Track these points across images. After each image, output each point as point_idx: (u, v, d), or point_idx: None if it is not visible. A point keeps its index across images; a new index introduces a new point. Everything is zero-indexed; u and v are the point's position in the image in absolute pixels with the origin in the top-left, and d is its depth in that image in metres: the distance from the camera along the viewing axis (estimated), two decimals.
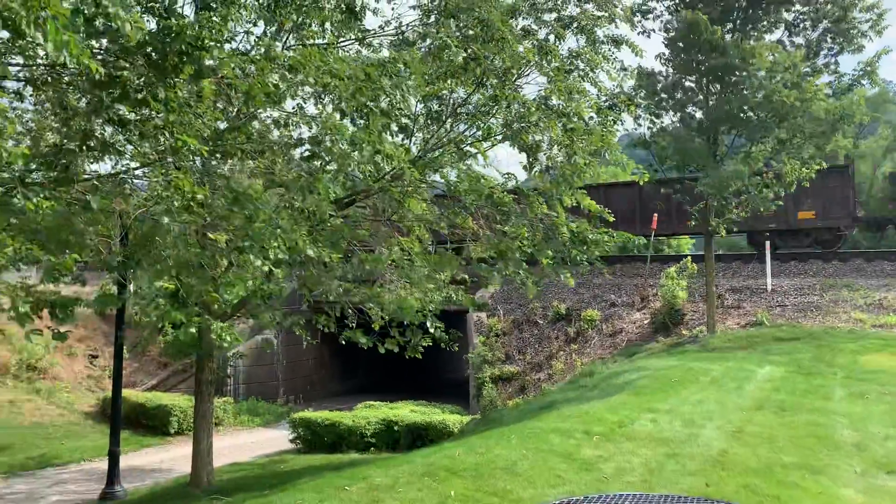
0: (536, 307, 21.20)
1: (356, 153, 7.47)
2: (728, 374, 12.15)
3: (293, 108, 9.70)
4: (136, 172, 7.93)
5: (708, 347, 15.47)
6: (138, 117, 6.48)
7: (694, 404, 9.85)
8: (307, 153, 9.29)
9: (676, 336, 17.44)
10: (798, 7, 15.83)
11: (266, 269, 7.14)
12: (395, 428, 16.40)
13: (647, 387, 11.45)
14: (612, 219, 11.61)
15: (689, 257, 19.92)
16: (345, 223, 10.49)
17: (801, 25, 16.00)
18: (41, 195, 5.86)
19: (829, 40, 15.78)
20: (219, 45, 6.67)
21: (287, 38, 9.87)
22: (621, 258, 24.37)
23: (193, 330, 8.04)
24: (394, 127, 10.70)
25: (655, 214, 22.35)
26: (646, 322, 19.04)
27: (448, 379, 30.62)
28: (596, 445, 7.64)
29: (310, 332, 11.56)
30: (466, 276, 12.41)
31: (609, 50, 11.39)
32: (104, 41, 6.17)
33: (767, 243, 20.16)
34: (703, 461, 7.16)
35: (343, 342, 11.35)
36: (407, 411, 17.70)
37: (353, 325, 11.27)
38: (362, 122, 8.59)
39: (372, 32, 10.38)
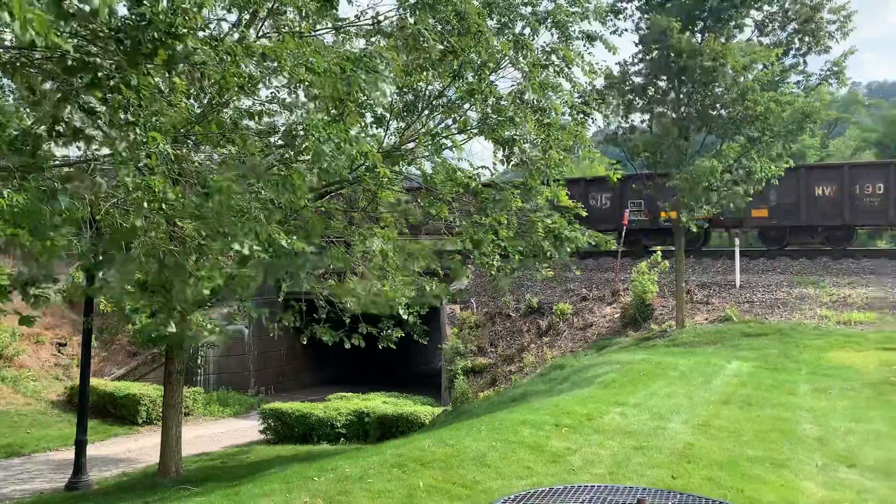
0: (509, 300, 21.33)
1: (329, 148, 7.44)
2: (696, 368, 12.32)
3: (267, 96, 9.64)
4: (107, 161, 7.82)
5: (677, 342, 15.67)
6: (108, 107, 6.38)
7: (662, 398, 9.98)
8: (280, 142, 9.24)
9: (646, 330, 17.65)
10: (767, 7, 16.08)
11: (246, 251, 7.09)
12: (367, 419, 16.44)
13: (617, 380, 11.57)
14: (585, 214, 11.72)
15: (658, 252, 20.16)
16: (319, 215, 10.45)
17: (771, 26, 16.25)
18: (12, 183, 5.76)
19: (797, 41, 16.06)
20: (193, 32, 6.59)
21: (262, 26, 9.77)
22: (593, 253, 24.57)
23: (170, 328, 7.98)
24: (368, 118, 10.69)
25: (626, 211, 22.56)
26: (616, 316, 19.25)
27: (421, 371, 30.71)
28: (565, 437, 7.72)
29: (279, 324, 11.55)
30: (439, 269, 12.44)
31: (584, 45, 11.47)
32: (75, 25, 6.07)
33: (737, 240, 20.46)
34: (670, 454, 7.26)
35: (304, 341, 11.33)
36: (379, 403, 17.75)
37: (323, 318, 11.25)
38: (335, 112, 8.56)
39: (348, 22, 10.33)
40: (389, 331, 11.82)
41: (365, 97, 8.86)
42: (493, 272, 11.21)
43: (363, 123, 10.37)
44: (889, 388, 10.95)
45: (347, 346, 11.27)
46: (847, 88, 46.32)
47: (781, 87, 14.94)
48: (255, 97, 9.08)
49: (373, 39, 10.41)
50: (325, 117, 8.82)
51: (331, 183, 10.55)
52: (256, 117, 9.41)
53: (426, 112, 11.59)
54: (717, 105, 15.15)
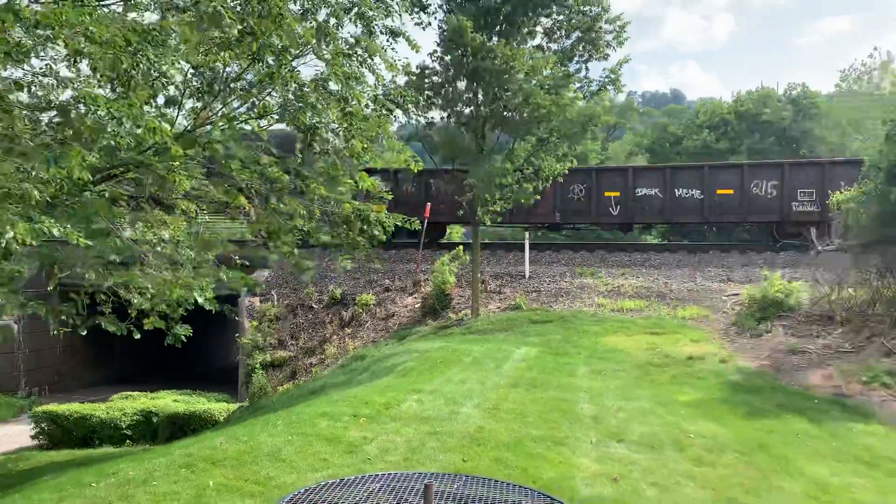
0: (312, 292, 21.08)
1: (112, 126, 6.86)
2: (488, 354, 12.95)
3: (41, 67, 8.73)
4: None
5: (472, 330, 16.39)
6: None
7: (456, 384, 10.38)
8: (56, 119, 8.40)
9: (444, 319, 18.26)
10: (555, 16, 17.21)
11: (8, 237, 6.34)
12: (155, 419, 15.54)
13: (415, 368, 11.87)
14: (390, 196, 11.84)
15: (461, 246, 20.95)
16: (102, 200, 9.62)
17: (558, 33, 17.44)
18: None
19: (580, 48, 17.38)
20: None
21: None
22: (396, 245, 24.99)
23: None
24: (160, 99, 10.01)
25: (429, 204, 23.17)
26: (417, 306, 19.72)
27: (218, 366, 29.58)
28: (362, 427, 7.78)
29: (57, 319, 10.48)
30: (237, 259, 11.99)
31: (387, 40, 11.57)
32: None
33: (527, 234, 21.79)
34: (462, 438, 7.57)
35: (83, 332, 10.40)
36: (169, 401, 16.85)
37: (107, 311, 10.39)
38: (121, 90, 7.94)
39: None
40: (179, 327, 11.14)
41: (156, 75, 8.30)
42: (293, 262, 11.00)
43: (154, 104, 9.71)
44: (653, 369, 12.25)
45: (138, 335, 10.46)
46: (624, 96, 50.85)
47: (563, 91, 16.08)
48: (28, 67, 8.19)
49: (167, 14, 9.76)
50: (110, 93, 8.16)
51: (115, 165, 9.76)
52: (26, 89, 8.50)
53: (223, 94, 11.08)
54: (508, 106, 15.95)
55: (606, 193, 23.49)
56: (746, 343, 14.07)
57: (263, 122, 11.20)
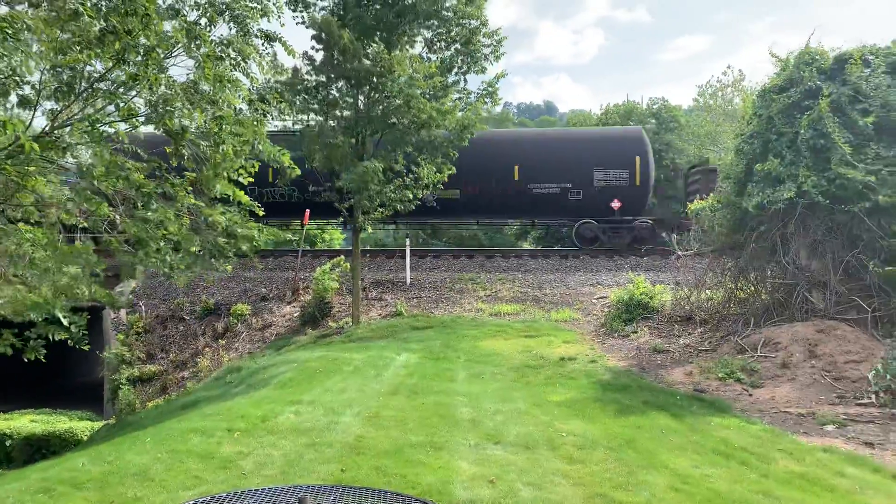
0: (184, 302, 20.23)
1: None
2: (369, 362, 12.89)
3: None
4: None
5: (352, 338, 16.25)
6: None
7: (336, 393, 10.26)
8: None
9: (324, 328, 18.02)
10: (436, 28, 17.42)
11: None
12: (9, 442, 14.42)
13: (293, 379, 11.64)
14: (262, 213, 11.56)
15: (342, 256, 20.76)
16: None
17: (439, 45, 17.68)
18: None
19: (459, 61, 17.70)
20: None
21: None
22: (274, 252, 24.48)
23: None
24: (13, 98, 9.33)
25: (307, 210, 22.83)
26: (296, 315, 19.35)
27: (81, 382, 27.88)
28: (237, 442, 7.55)
29: None
30: (99, 272, 11.33)
31: (262, 44, 11.31)
32: None
33: (408, 240, 21.91)
34: (341, 448, 7.49)
35: None
36: (25, 421, 15.72)
37: None
38: None
39: None
40: (37, 340, 10.40)
41: (8, 72, 7.74)
42: (165, 270, 10.51)
43: (4, 104, 9.04)
44: (529, 371, 12.59)
45: None
46: (501, 107, 52.13)
47: (443, 99, 16.30)
48: None
49: (18, 8, 9.11)
50: None
51: None
52: None
53: (85, 95, 10.45)
54: (389, 110, 15.95)
55: None
56: (615, 344, 14.75)
57: (128, 126, 10.67)
